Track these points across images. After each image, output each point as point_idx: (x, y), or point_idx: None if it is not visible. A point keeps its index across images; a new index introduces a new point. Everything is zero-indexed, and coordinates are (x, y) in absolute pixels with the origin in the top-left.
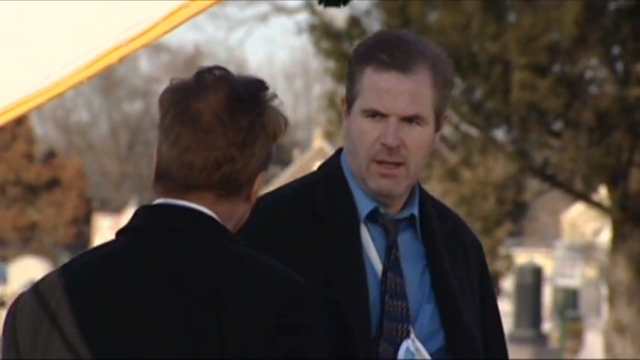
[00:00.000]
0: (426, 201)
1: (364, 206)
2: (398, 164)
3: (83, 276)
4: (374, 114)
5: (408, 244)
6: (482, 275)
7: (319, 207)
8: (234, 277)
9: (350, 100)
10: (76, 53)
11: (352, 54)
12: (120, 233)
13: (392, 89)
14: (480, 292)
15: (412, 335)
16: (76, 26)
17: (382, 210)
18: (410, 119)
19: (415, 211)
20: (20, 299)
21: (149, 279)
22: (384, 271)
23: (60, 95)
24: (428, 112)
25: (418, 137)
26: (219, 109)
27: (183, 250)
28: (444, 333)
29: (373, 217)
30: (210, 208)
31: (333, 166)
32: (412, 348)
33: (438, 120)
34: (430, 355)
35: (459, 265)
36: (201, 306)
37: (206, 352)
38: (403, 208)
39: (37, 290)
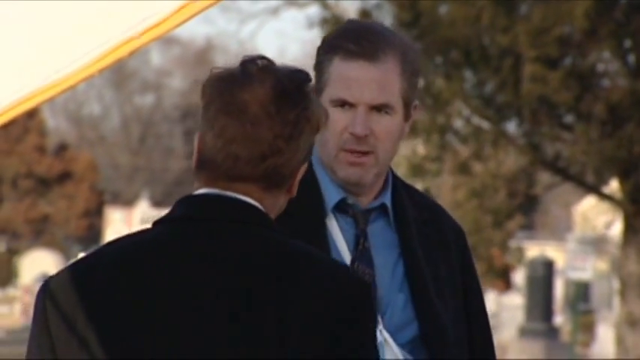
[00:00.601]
0: (400, 189)
1: (331, 197)
2: (366, 153)
3: (129, 263)
4: (342, 103)
5: (380, 233)
6: (464, 264)
7: None
8: (294, 273)
9: (319, 90)
10: (86, 46)
11: (320, 44)
12: (163, 222)
13: (360, 78)
14: (463, 282)
15: (380, 326)
16: (87, 19)
17: (351, 200)
18: (378, 108)
19: (387, 200)
20: (51, 284)
21: (201, 269)
22: (352, 262)
23: (71, 88)
24: (396, 100)
25: (387, 126)
26: (265, 101)
27: (236, 241)
28: (417, 323)
29: (342, 208)
30: (255, 200)
31: None
32: (380, 338)
33: (407, 109)
34: (402, 345)
35: (435, 253)
36: (260, 301)
37: (265, 349)
38: (375, 197)
39: (73, 275)
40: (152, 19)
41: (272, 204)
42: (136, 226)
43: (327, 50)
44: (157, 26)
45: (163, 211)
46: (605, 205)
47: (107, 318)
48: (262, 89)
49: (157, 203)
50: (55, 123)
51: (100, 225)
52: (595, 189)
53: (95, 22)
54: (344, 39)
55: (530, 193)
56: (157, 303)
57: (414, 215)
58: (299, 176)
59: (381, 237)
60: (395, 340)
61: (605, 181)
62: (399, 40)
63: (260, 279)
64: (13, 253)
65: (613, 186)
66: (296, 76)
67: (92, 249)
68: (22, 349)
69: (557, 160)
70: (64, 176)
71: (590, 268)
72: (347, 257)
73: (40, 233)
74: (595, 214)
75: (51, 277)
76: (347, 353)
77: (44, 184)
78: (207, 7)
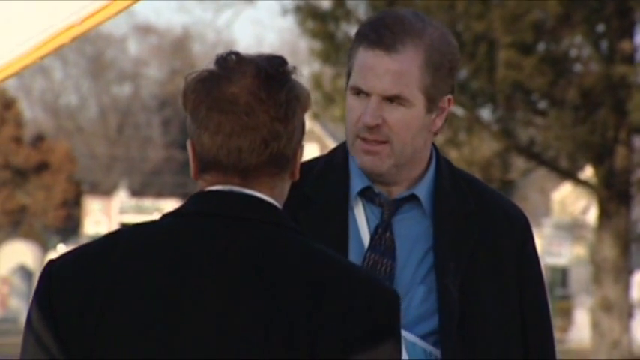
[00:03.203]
0: (444, 180)
1: (356, 185)
2: (381, 142)
3: (140, 253)
4: (359, 92)
5: (409, 224)
6: (521, 253)
7: (309, 187)
8: (323, 277)
9: (347, 77)
10: (28, 33)
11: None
12: (173, 216)
13: (375, 68)
14: (518, 272)
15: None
16: (28, 7)
17: (377, 189)
18: (392, 99)
19: (421, 191)
20: (56, 269)
21: (224, 267)
22: (366, 251)
23: (13, 75)
24: (413, 93)
25: (401, 118)
26: (254, 89)
27: (255, 240)
28: (438, 315)
29: (370, 197)
30: (268, 194)
31: (342, 145)
32: None
33: (432, 102)
34: (423, 336)
35: (473, 247)
36: (290, 304)
37: (295, 354)
38: (408, 188)
39: (82, 261)
40: (93, 5)
41: (282, 190)
42: (115, 216)
43: (356, 38)
44: (98, 12)
45: (142, 201)
46: (582, 191)
47: (123, 306)
48: (247, 79)
49: (135, 193)
50: (32, 113)
51: (79, 215)
52: (569, 174)
53: (36, 10)
54: (369, 28)
55: (505, 179)
56: (169, 296)
57: (454, 207)
58: (299, 158)
59: (410, 228)
60: (413, 331)
61: (579, 167)
62: (429, 33)
63: (291, 283)
64: None
65: (588, 171)
66: (273, 60)
67: (71, 240)
68: (0, 340)
69: (531, 145)
70: (42, 167)
71: (566, 254)
72: (365, 246)
73: (17, 224)
74: (573, 199)
75: (53, 262)
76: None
77: (21, 175)
78: None
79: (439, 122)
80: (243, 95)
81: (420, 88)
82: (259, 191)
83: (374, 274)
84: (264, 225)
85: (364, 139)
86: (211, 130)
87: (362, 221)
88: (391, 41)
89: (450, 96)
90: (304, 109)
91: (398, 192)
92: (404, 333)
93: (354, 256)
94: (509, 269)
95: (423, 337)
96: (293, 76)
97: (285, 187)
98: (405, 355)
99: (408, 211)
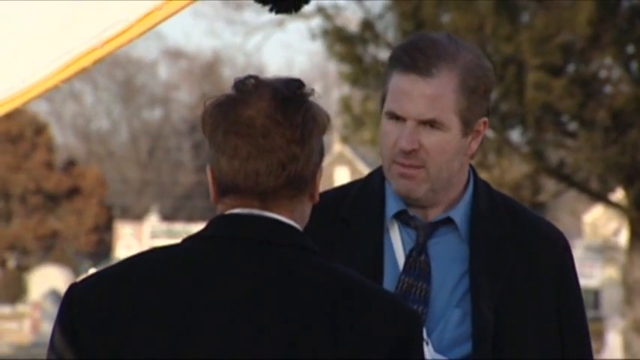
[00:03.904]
0: (480, 203)
1: (392, 208)
2: (417, 167)
3: (160, 275)
4: (394, 116)
5: (445, 247)
6: (558, 284)
7: (346, 211)
8: (346, 300)
9: (382, 101)
10: (50, 56)
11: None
12: (194, 239)
13: (410, 92)
14: (557, 302)
15: (422, 340)
16: (49, 30)
17: (411, 212)
18: (428, 123)
19: (457, 214)
20: (78, 290)
21: (245, 290)
22: (400, 274)
23: (36, 98)
24: (448, 116)
25: (437, 142)
26: (270, 111)
27: (277, 263)
28: (472, 340)
29: (405, 220)
30: (288, 216)
31: (379, 168)
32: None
33: (467, 125)
34: None
35: (510, 271)
36: (313, 326)
37: None
38: (444, 211)
39: (103, 282)
40: (115, 28)
41: (302, 212)
42: (146, 241)
43: (390, 63)
44: (119, 35)
45: (173, 225)
46: (612, 213)
47: (144, 329)
48: (264, 102)
49: (166, 217)
50: (63, 139)
51: (110, 240)
52: (600, 196)
53: (57, 32)
54: (403, 52)
55: (536, 200)
56: (190, 319)
57: (491, 230)
58: (319, 179)
59: (447, 251)
60: (448, 355)
61: (610, 188)
62: (462, 56)
63: (314, 307)
64: (23, 269)
65: (619, 193)
66: (291, 83)
67: (103, 264)
68: None
69: (561, 167)
70: (73, 192)
71: (598, 276)
72: (400, 269)
73: (49, 249)
74: (605, 221)
75: (76, 284)
76: None
77: (53, 200)
78: (170, 16)
79: (475, 145)
80: (259, 118)
81: (455, 111)
82: (279, 214)
83: (397, 295)
84: (285, 248)
85: (400, 164)
86: (228, 153)
87: (397, 244)
88: (425, 65)
89: (485, 119)
90: (322, 131)
91: (434, 215)
92: (439, 357)
93: (389, 279)
94: (548, 293)
95: None
96: (311, 99)
97: (306, 209)
98: None
99: (444, 234)
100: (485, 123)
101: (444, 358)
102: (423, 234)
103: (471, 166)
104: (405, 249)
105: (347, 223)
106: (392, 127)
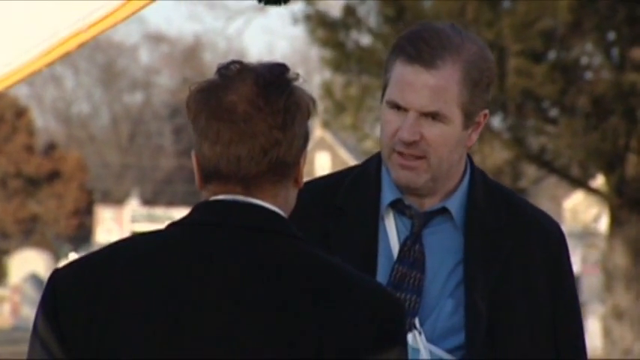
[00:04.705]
0: (476, 193)
1: (387, 197)
2: (418, 157)
3: (145, 261)
4: (395, 106)
5: (440, 237)
6: (554, 269)
7: (341, 199)
8: (329, 286)
9: (383, 89)
10: (34, 40)
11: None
12: (178, 225)
13: (413, 84)
14: (552, 293)
15: (415, 329)
16: (34, 13)
17: (407, 202)
18: (429, 115)
19: (452, 204)
20: (60, 276)
21: (227, 276)
22: (394, 263)
23: (20, 82)
24: (451, 109)
25: (439, 134)
26: (252, 97)
27: (260, 249)
28: (464, 329)
29: (401, 209)
30: (272, 202)
31: (376, 155)
32: (411, 341)
33: (468, 118)
34: (450, 350)
35: (505, 262)
36: (295, 312)
37: None
38: (440, 201)
39: (86, 269)
40: (99, 12)
41: (286, 198)
42: (127, 225)
43: (393, 51)
44: (104, 19)
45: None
46: (593, 199)
47: (127, 315)
48: (246, 87)
49: (147, 201)
50: (43, 122)
51: (90, 224)
52: (580, 182)
53: (42, 17)
54: (407, 41)
55: (516, 186)
56: (173, 305)
57: (486, 221)
58: (303, 164)
59: (441, 241)
60: (440, 345)
61: (591, 175)
62: (467, 48)
63: (299, 292)
64: (3, 253)
65: (599, 179)
66: (275, 68)
67: (83, 248)
68: (12, 349)
69: (542, 153)
70: (53, 175)
71: (578, 262)
72: (394, 258)
73: (29, 233)
74: (585, 207)
75: (59, 270)
76: None
77: (33, 184)
78: (153, 1)
79: (474, 136)
80: (241, 103)
81: (457, 104)
82: (262, 199)
83: (380, 283)
84: (268, 233)
85: (400, 154)
86: (211, 139)
87: (392, 233)
88: (430, 57)
89: (486, 111)
90: (306, 116)
91: (430, 204)
92: (431, 347)
93: (383, 268)
94: (542, 284)
95: (450, 352)
96: (295, 83)
97: (290, 194)
98: None
99: (439, 224)
100: (485, 115)
101: (436, 348)
102: (418, 223)
103: (468, 155)
104: (399, 238)
105: (342, 211)
106: (393, 116)
